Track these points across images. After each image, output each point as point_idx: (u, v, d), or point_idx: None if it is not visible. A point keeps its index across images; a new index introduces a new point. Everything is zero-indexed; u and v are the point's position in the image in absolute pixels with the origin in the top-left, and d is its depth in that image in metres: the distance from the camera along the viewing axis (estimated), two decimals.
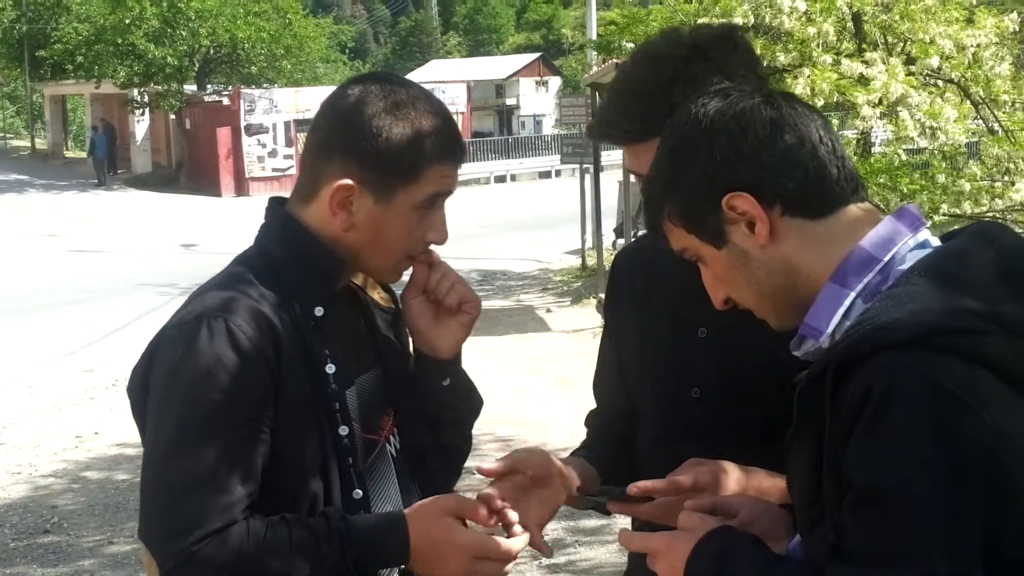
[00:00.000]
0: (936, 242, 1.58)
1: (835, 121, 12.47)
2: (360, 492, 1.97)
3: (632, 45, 15.76)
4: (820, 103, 10.35)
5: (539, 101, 61.03)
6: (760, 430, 2.01)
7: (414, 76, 56.87)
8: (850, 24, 10.90)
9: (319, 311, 1.96)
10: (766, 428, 1.97)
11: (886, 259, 1.54)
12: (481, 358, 11.48)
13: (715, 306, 1.72)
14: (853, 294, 1.54)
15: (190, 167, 39.02)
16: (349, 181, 1.93)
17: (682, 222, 1.66)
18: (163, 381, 1.88)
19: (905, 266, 1.52)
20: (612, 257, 15.99)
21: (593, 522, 6.59)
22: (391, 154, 1.92)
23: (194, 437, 1.82)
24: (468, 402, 2.18)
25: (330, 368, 1.95)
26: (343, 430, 1.95)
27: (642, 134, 2.06)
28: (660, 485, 1.94)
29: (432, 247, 2.05)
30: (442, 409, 2.14)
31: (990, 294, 1.43)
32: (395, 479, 2.08)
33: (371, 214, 1.94)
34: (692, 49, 2.07)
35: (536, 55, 68.19)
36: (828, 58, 10.27)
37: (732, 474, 1.97)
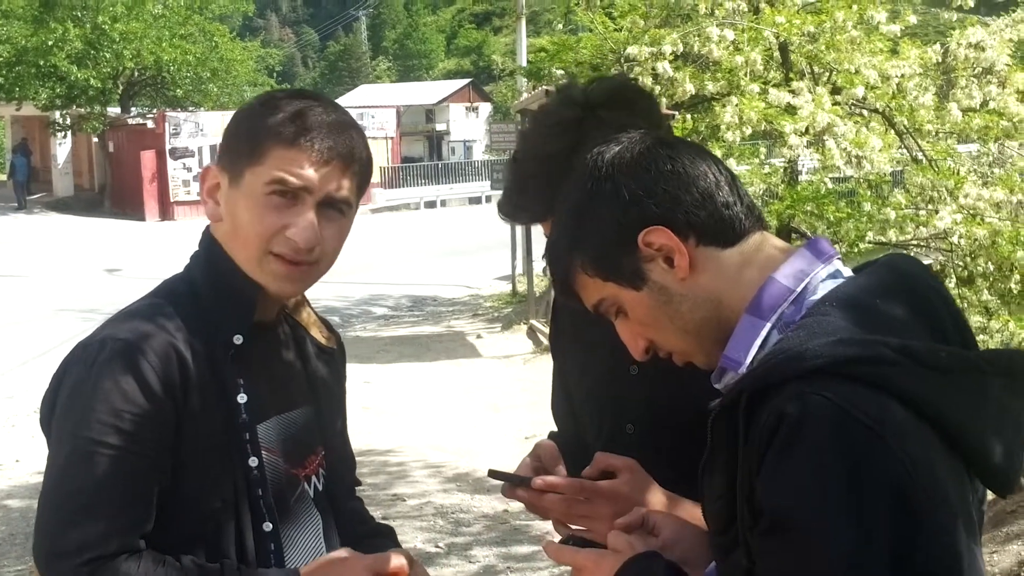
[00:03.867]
0: (847, 272, 1.61)
1: (763, 149, 12.65)
2: (270, 525, 1.94)
3: (561, 72, 15.88)
4: (748, 131, 10.49)
5: (469, 127, 61.13)
6: (691, 466, 1.99)
7: (343, 101, 56.83)
8: (777, 54, 11.07)
9: (238, 339, 1.93)
10: (696, 465, 1.98)
11: (799, 289, 1.57)
12: (412, 384, 11.43)
13: (636, 357, 1.70)
14: (768, 325, 1.56)
15: (113, 191, 38.50)
16: (214, 166, 1.97)
17: (596, 270, 1.65)
18: (63, 401, 1.87)
19: (817, 296, 1.55)
20: (542, 283, 16.00)
21: (525, 548, 6.56)
22: (240, 134, 1.93)
23: (85, 458, 1.80)
24: None
25: (242, 398, 1.92)
26: (252, 461, 1.92)
27: (549, 212, 1.99)
28: (565, 483, 1.93)
29: (331, 271, 2.00)
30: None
31: (899, 326, 1.46)
32: (317, 517, 2.06)
33: (228, 199, 1.94)
34: (586, 109, 2.05)
35: (466, 81, 68.45)
36: (756, 87, 10.41)
37: (655, 495, 1.97)
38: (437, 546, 6.74)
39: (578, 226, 1.66)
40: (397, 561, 1.93)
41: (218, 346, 1.91)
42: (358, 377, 11.44)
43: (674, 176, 1.62)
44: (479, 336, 14.96)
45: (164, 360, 1.84)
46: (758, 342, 1.57)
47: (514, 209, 2.09)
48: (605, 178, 1.63)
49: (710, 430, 1.52)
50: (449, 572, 6.34)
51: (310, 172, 1.88)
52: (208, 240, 2.01)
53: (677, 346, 1.66)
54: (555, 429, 2.54)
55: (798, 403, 1.37)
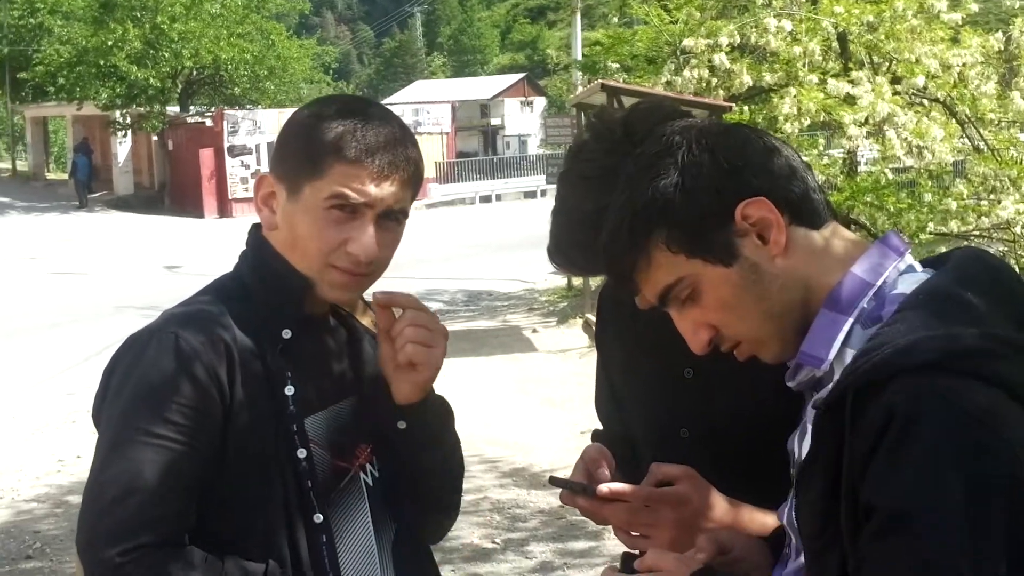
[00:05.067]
0: (918, 266, 1.59)
1: (821, 140, 12.50)
2: (320, 516, 1.93)
3: (617, 65, 15.80)
4: (807, 122, 10.38)
5: (524, 121, 61.18)
6: (747, 472, 1.99)
7: (398, 97, 57.10)
8: (835, 44, 10.94)
9: (287, 333, 1.94)
10: (753, 470, 1.97)
11: (878, 284, 1.54)
12: (467, 379, 11.44)
13: (695, 350, 1.63)
14: (851, 320, 1.53)
15: (172, 188, 38.97)
16: (269, 176, 1.98)
17: (683, 245, 1.56)
18: (111, 392, 1.88)
19: (898, 291, 1.52)
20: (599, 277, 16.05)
21: (582, 544, 6.53)
22: (299, 148, 1.93)
23: (128, 447, 1.81)
24: (428, 453, 2.07)
25: (289, 390, 1.92)
26: (301, 453, 1.92)
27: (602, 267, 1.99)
28: (630, 490, 1.89)
29: (386, 274, 1.99)
30: (402, 453, 2.07)
31: (991, 318, 1.44)
32: (367, 509, 2.04)
33: (286, 210, 1.95)
34: (627, 151, 1.88)
35: (521, 75, 68.43)
36: (814, 77, 10.29)
37: (718, 500, 1.94)
38: (493, 542, 6.73)
39: (663, 199, 1.57)
40: None
41: (266, 340, 1.92)
42: None
43: (768, 152, 1.59)
44: (534, 331, 14.94)
45: (212, 353, 1.85)
46: (840, 337, 1.53)
47: (569, 264, 2.02)
48: (701, 149, 1.57)
49: (812, 430, 1.49)
50: (506, 568, 6.33)
51: (371, 188, 1.89)
52: (256, 238, 2.03)
53: (753, 333, 1.59)
54: (599, 427, 2.50)
55: (908, 398, 1.34)
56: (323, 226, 1.90)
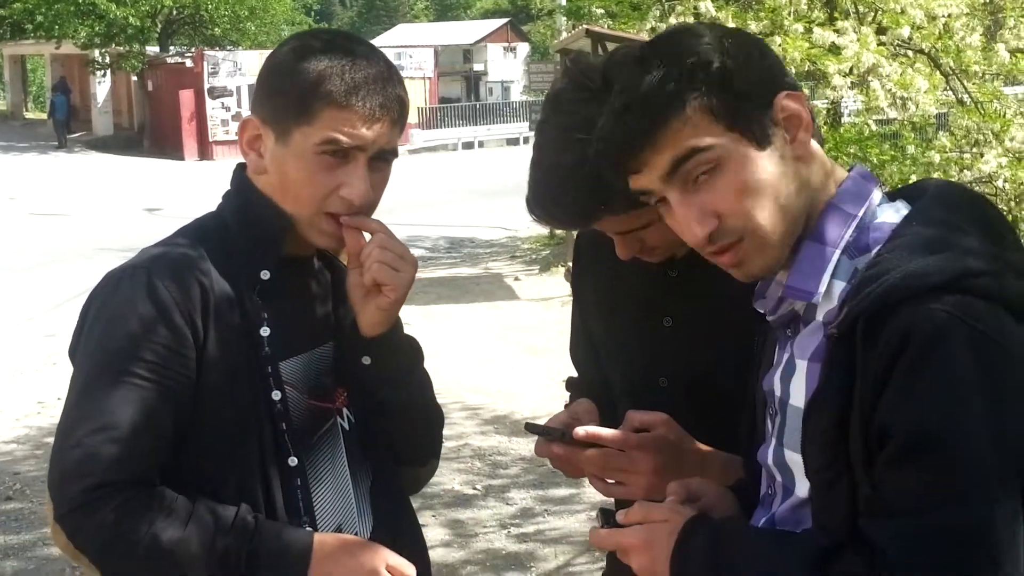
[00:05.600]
0: (884, 197, 1.62)
1: (806, 90, 12.45)
2: (295, 460, 1.93)
3: (602, 11, 15.67)
4: (792, 71, 10.29)
5: (507, 67, 60.79)
6: (725, 420, 1.99)
7: (380, 40, 56.62)
8: None
9: (265, 275, 1.93)
10: (731, 419, 1.97)
11: (860, 214, 1.56)
12: (449, 326, 11.46)
13: (692, 239, 1.57)
14: (838, 252, 1.54)
15: (152, 130, 38.60)
16: (254, 119, 1.94)
17: (728, 112, 1.53)
18: (85, 331, 1.88)
19: (879, 220, 1.55)
20: None
21: (563, 491, 6.57)
22: (286, 91, 1.89)
23: (99, 384, 1.81)
24: (393, 392, 2.05)
25: (264, 331, 1.91)
26: (275, 395, 1.91)
27: (589, 220, 1.96)
28: (609, 434, 1.91)
29: (375, 215, 1.96)
30: (366, 389, 2.06)
31: (984, 240, 1.47)
32: (344, 453, 2.04)
33: (275, 155, 1.92)
34: (605, 93, 1.82)
35: (504, 20, 67.89)
36: (800, 27, 10.22)
37: (694, 447, 1.96)
38: (475, 488, 6.77)
39: (718, 65, 1.53)
40: (411, 572, 1.94)
41: (245, 281, 1.91)
42: None
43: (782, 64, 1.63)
44: (517, 278, 14.94)
45: (186, 291, 1.84)
46: (830, 269, 1.54)
47: (548, 217, 1.98)
48: (746, 40, 1.59)
49: (826, 359, 1.48)
50: (487, 514, 6.37)
51: (363, 131, 1.87)
52: (241, 179, 2.01)
53: (762, 228, 1.54)
54: (574, 375, 2.50)
55: (925, 321, 1.36)
56: (315, 171, 1.88)
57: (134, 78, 39.20)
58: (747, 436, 1.82)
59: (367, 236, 1.95)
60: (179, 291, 1.83)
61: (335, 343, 2.05)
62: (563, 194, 1.89)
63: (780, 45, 10.77)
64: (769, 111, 1.54)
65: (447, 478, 6.83)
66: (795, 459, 1.59)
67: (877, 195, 1.59)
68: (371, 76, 1.88)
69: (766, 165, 1.53)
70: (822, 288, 1.54)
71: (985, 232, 1.49)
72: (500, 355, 10.39)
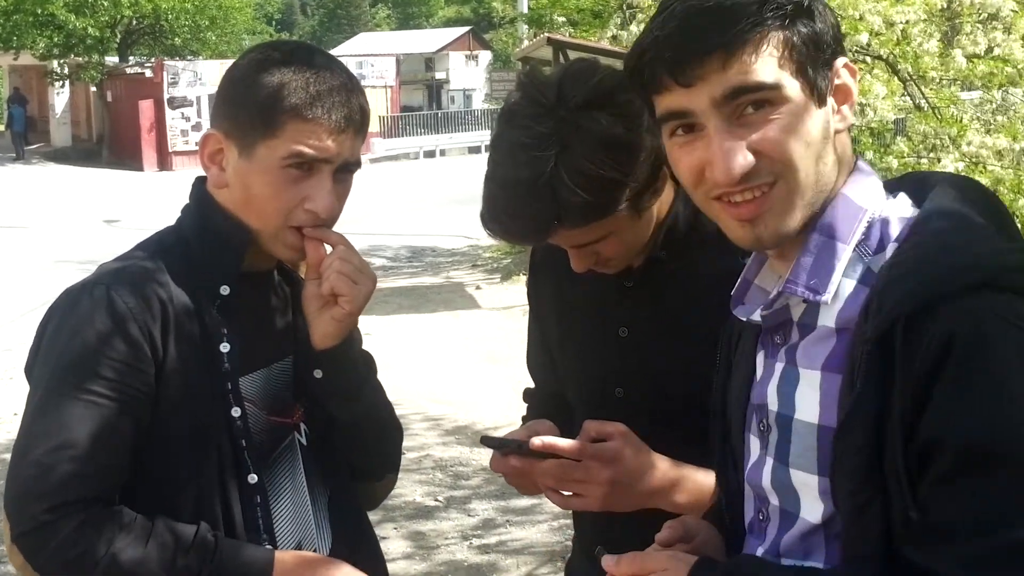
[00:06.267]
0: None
1: None
2: (255, 477, 1.91)
3: (563, 19, 15.70)
4: None
5: (469, 75, 60.75)
6: (684, 430, 1.97)
7: (342, 49, 56.57)
8: None
9: (224, 290, 1.91)
10: (690, 428, 1.95)
11: (869, 209, 1.45)
12: (410, 336, 11.42)
13: (724, 173, 1.40)
14: (850, 248, 1.43)
15: (111, 141, 38.34)
16: (216, 132, 1.91)
17: (800, 55, 1.40)
18: (43, 348, 1.86)
19: (886, 215, 1.45)
20: None
21: (524, 502, 6.54)
22: (249, 104, 1.86)
23: (57, 401, 1.78)
24: (345, 407, 2.03)
25: (224, 347, 1.89)
26: (235, 412, 1.89)
27: (544, 234, 1.92)
28: (565, 444, 1.88)
29: (334, 227, 1.95)
30: (322, 407, 2.04)
31: (1001, 235, 1.40)
32: (302, 470, 2.02)
33: (238, 169, 1.90)
34: (560, 119, 1.85)
35: (466, 29, 67.95)
36: None
37: (660, 464, 1.94)
38: (436, 499, 6.73)
39: (790, 4, 1.40)
40: None
41: (204, 297, 1.89)
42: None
43: None
44: (478, 287, 14.93)
45: (145, 306, 1.82)
46: (841, 267, 1.42)
47: (504, 232, 1.94)
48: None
49: (863, 370, 1.32)
50: (448, 526, 6.33)
51: (328, 143, 1.85)
52: (200, 193, 1.99)
53: (798, 176, 1.41)
54: (531, 386, 2.49)
55: (969, 322, 1.25)
56: (281, 185, 1.86)
57: (93, 89, 38.94)
58: (719, 450, 1.73)
59: (328, 249, 1.93)
60: (138, 306, 1.81)
61: (295, 357, 2.03)
62: (518, 209, 1.87)
63: None
64: (830, 71, 1.43)
65: (408, 490, 6.78)
66: (804, 480, 1.45)
67: (881, 188, 1.49)
68: (334, 87, 1.87)
69: (817, 124, 1.41)
70: (832, 287, 1.42)
71: (1000, 225, 1.42)
72: (461, 365, 10.35)
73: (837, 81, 1.44)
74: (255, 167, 1.87)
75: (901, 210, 1.45)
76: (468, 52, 63.21)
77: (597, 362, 2.17)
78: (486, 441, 1.97)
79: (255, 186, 1.88)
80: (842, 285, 1.42)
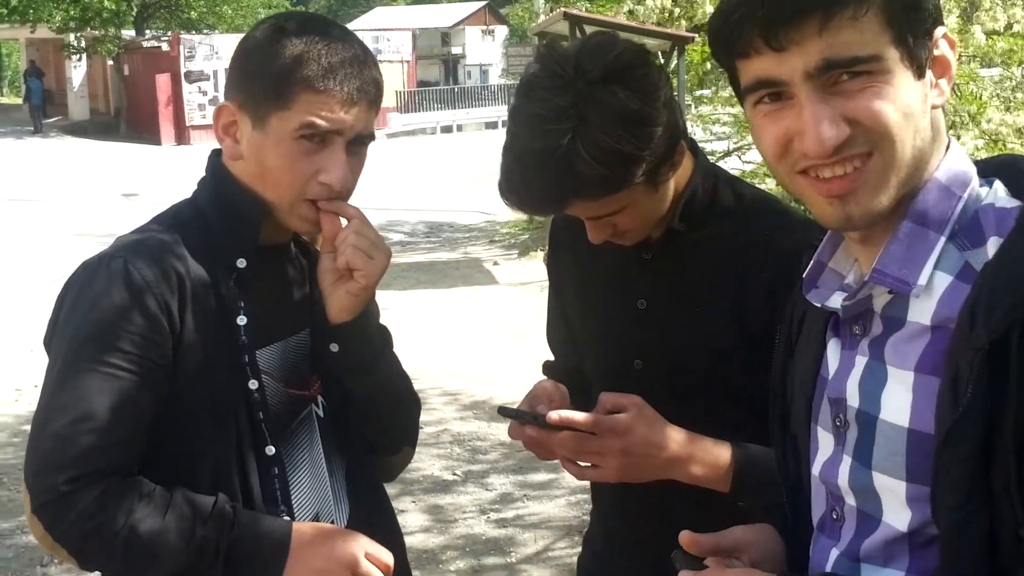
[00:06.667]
0: None
1: None
2: (272, 449, 1.92)
3: None
4: None
5: (485, 50, 60.60)
6: (704, 403, 2.03)
7: (357, 24, 56.41)
8: None
9: (241, 263, 1.91)
10: (709, 401, 2.04)
11: (965, 195, 1.34)
12: (428, 311, 11.44)
13: (814, 144, 1.31)
14: (943, 238, 1.32)
15: (129, 114, 38.36)
16: (229, 104, 1.91)
17: (901, 24, 1.30)
18: (61, 320, 1.86)
19: (986, 203, 1.34)
20: None
21: (542, 476, 6.57)
22: (263, 75, 1.86)
23: (75, 374, 1.79)
24: (361, 380, 2.03)
25: (241, 320, 1.90)
26: (252, 384, 1.90)
27: (561, 206, 1.95)
28: (581, 417, 1.89)
29: (351, 200, 1.95)
30: (338, 380, 2.04)
31: None
32: (319, 442, 2.04)
33: (252, 141, 1.90)
34: (579, 92, 1.86)
35: (482, 3, 67.61)
36: None
37: (675, 435, 1.94)
38: (454, 474, 6.76)
39: None
40: (389, 559, 1.93)
41: (221, 270, 1.90)
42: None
43: None
44: (496, 263, 14.91)
45: (162, 280, 1.82)
46: (933, 259, 1.32)
47: (519, 203, 1.96)
48: None
49: (970, 379, 1.22)
50: (466, 500, 6.36)
51: (341, 114, 1.85)
52: (216, 166, 1.99)
53: (896, 146, 1.31)
54: (551, 358, 2.51)
55: None
56: (294, 157, 1.86)
57: (110, 62, 38.94)
58: (779, 437, 1.64)
59: (343, 222, 1.93)
60: (155, 279, 1.82)
61: (312, 330, 2.04)
62: (535, 180, 1.88)
63: None
64: (929, 41, 1.33)
65: (426, 464, 6.82)
66: (889, 485, 1.36)
67: (975, 173, 1.38)
68: (347, 59, 1.86)
69: (916, 97, 1.31)
70: (923, 279, 1.31)
71: None
72: (479, 340, 10.37)
73: (936, 52, 1.34)
74: (269, 139, 1.87)
75: (1000, 200, 1.34)
76: (484, 27, 63.02)
77: (616, 334, 2.19)
78: (504, 412, 1.99)
79: (269, 158, 1.88)
80: (935, 278, 1.32)
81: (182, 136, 35.73)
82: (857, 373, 1.41)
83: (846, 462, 1.42)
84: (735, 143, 16.20)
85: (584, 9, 14.67)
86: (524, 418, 1.96)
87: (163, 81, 35.92)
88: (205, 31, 38.55)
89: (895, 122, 1.29)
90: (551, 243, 2.44)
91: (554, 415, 1.89)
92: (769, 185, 16.15)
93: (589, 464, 1.95)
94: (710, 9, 11.74)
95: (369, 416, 2.08)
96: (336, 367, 2.01)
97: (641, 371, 2.15)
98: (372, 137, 1.95)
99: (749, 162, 17.04)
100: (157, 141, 35.53)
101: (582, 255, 2.24)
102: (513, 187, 1.93)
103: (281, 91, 1.84)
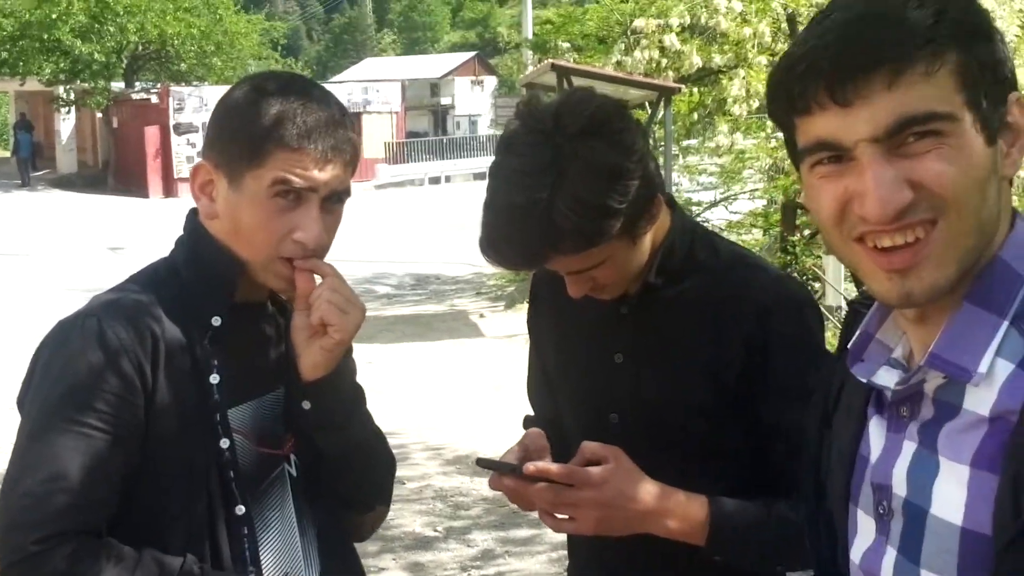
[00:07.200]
0: None
1: (770, 123, 12.49)
2: (243, 508, 1.91)
3: (567, 45, 15.71)
4: (755, 104, 10.34)
5: (474, 101, 61.03)
6: (681, 456, 2.06)
7: (347, 74, 56.82)
8: (785, 25, 10.92)
9: (216, 321, 1.91)
10: (687, 454, 2.07)
11: None
12: (413, 364, 11.38)
13: (875, 209, 1.20)
14: (1006, 323, 1.23)
15: (117, 167, 38.44)
16: (206, 163, 1.93)
17: (974, 82, 1.21)
18: (35, 379, 1.87)
19: None
20: None
21: (524, 532, 6.47)
22: (236, 134, 1.88)
23: (48, 432, 1.79)
24: (333, 437, 2.00)
25: (214, 378, 1.89)
26: (223, 443, 1.89)
27: (540, 261, 1.96)
28: (557, 469, 1.91)
29: (327, 258, 1.95)
30: (310, 438, 2.02)
31: None
32: (291, 502, 2.02)
33: (227, 199, 1.91)
34: (558, 146, 1.87)
35: (471, 54, 68.34)
36: (764, 59, 10.25)
37: (651, 488, 1.95)
38: (436, 530, 6.66)
39: (981, 23, 1.25)
40: None
41: (196, 328, 1.89)
42: (361, 357, 11.15)
43: None
44: (482, 315, 14.91)
45: (137, 339, 1.82)
46: (995, 344, 1.22)
47: (500, 258, 1.96)
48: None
49: (1006, 469, 1.16)
50: (447, 556, 6.26)
51: (315, 172, 1.86)
52: (193, 224, 2.00)
53: (964, 213, 1.21)
54: (531, 413, 2.51)
55: None
56: (268, 215, 1.87)
57: (99, 115, 39.10)
58: (811, 511, 1.56)
59: (318, 279, 1.94)
60: (130, 339, 1.82)
61: (286, 388, 2.02)
62: (515, 234, 1.90)
63: (744, 78, 10.78)
64: (1003, 107, 1.24)
65: (408, 520, 6.71)
66: None
67: None
68: (323, 119, 1.88)
69: (984, 163, 1.22)
70: (983, 367, 1.21)
71: None
72: (464, 393, 10.30)
73: (1009, 119, 1.26)
74: (243, 197, 1.88)
75: None
76: (474, 77, 63.53)
77: (593, 388, 2.20)
78: (482, 463, 2.01)
79: (244, 216, 1.88)
80: (996, 365, 1.22)
81: (170, 189, 35.74)
82: (905, 460, 1.32)
83: (891, 554, 1.33)
84: (722, 193, 16.21)
85: (572, 60, 14.74)
86: (502, 469, 1.98)
87: (152, 133, 36.03)
88: (195, 83, 38.73)
89: (963, 187, 1.19)
90: (532, 298, 2.47)
91: (531, 466, 1.92)
92: (756, 236, 16.19)
93: (567, 516, 1.97)
94: (697, 60, 11.79)
95: (341, 474, 2.06)
96: (308, 424, 1.99)
97: (617, 425, 2.16)
98: (348, 194, 1.95)
99: (736, 212, 17.07)
100: (145, 194, 35.56)
101: (562, 309, 2.25)
102: (493, 243, 1.95)
103: (256, 150, 1.85)
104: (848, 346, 1.41)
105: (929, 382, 1.28)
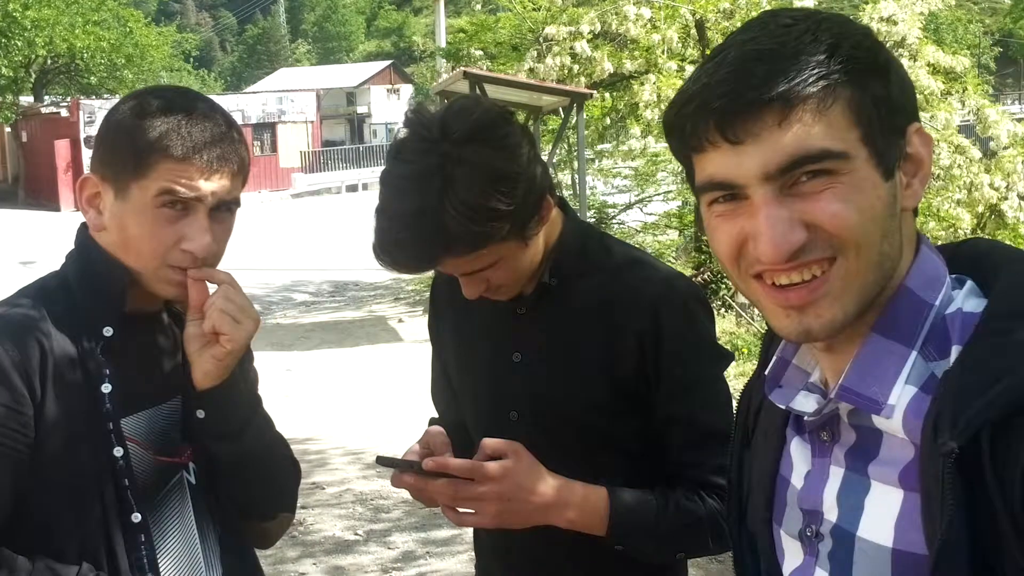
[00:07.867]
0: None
1: None
2: (139, 516, 1.90)
3: (480, 52, 15.78)
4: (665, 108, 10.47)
5: (391, 109, 60.83)
6: (580, 451, 2.10)
7: (262, 85, 56.32)
8: (694, 31, 11.10)
9: (108, 331, 1.90)
10: (585, 449, 2.11)
11: (937, 303, 1.24)
12: (333, 371, 11.33)
13: (772, 251, 1.19)
14: (914, 353, 1.23)
15: (27, 181, 37.76)
16: (93, 176, 1.93)
17: (868, 120, 1.19)
18: None
19: (953, 310, 1.24)
20: None
21: (444, 533, 6.50)
22: (121, 147, 1.88)
23: None
24: (225, 444, 2.01)
25: (106, 388, 1.88)
26: (117, 451, 1.88)
27: (433, 263, 2.00)
28: (456, 464, 1.94)
29: (219, 266, 1.95)
30: (201, 441, 2.03)
31: None
32: (191, 509, 2.01)
33: (114, 211, 1.91)
34: (445, 153, 1.91)
35: (387, 63, 68.15)
36: (674, 65, 10.42)
37: (550, 481, 1.99)
38: (356, 533, 6.66)
39: (880, 56, 1.22)
40: None
41: (87, 339, 1.88)
42: (279, 365, 11.16)
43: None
44: (400, 320, 14.89)
45: (25, 353, 1.81)
46: (904, 374, 1.22)
47: (393, 263, 1.99)
48: (886, 55, 1.25)
49: (946, 493, 1.12)
50: (368, 559, 6.27)
51: (200, 182, 1.86)
52: (83, 238, 1.99)
53: (862, 250, 1.20)
54: (435, 415, 2.55)
55: None
56: (155, 225, 1.87)
57: (7, 129, 38.35)
58: (735, 531, 1.54)
59: (212, 288, 1.94)
60: (18, 353, 1.80)
61: (183, 397, 2.03)
62: (406, 239, 1.93)
63: (655, 83, 10.95)
64: (901, 140, 1.23)
65: (328, 524, 6.71)
66: None
67: (946, 274, 1.28)
68: (208, 131, 1.89)
69: (882, 199, 1.20)
70: (892, 399, 1.21)
71: None
72: (383, 397, 10.29)
73: (909, 150, 1.24)
74: (129, 208, 1.88)
75: (969, 303, 1.24)
76: (390, 86, 63.36)
77: (492, 387, 2.23)
78: (381, 461, 2.00)
79: (131, 227, 1.89)
80: (902, 390, 1.22)
81: None
82: (835, 485, 1.31)
83: (820, 575, 1.33)
84: (636, 195, 16.41)
85: (485, 68, 14.83)
86: (401, 466, 1.99)
87: (62, 147, 35.47)
88: (106, 96, 38.19)
89: (860, 226, 1.18)
90: (432, 302, 2.49)
91: (430, 462, 1.93)
92: (671, 236, 16.39)
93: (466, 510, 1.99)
94: (608, 66, 11.93)
95: (237, 482, 2.06)
96: (202, 433, 2.00)
97: (516, 422, 2.18)
98: (238, 204, 1.96)
99: (651, 214, 17.28)
100: (56, 208, 34.97)
101: (460, 312, 2.29)
102: (386, 247, 1.97)
103: (141, 162, 1.85)
104: (765, 372, 1.40)
105: (842, 408, 1.29)
